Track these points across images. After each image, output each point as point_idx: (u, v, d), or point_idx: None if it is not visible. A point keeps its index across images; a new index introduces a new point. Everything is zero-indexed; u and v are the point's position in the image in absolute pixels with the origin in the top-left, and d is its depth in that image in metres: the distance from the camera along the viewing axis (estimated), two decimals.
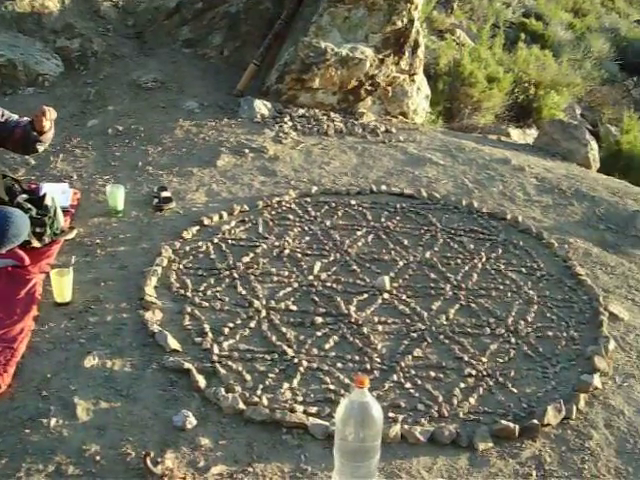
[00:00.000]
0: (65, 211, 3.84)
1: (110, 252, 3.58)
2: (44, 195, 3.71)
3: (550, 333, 3.27)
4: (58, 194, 3.91)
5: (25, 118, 3.63)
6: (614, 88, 11.53)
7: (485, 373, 2.95)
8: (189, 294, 3.26)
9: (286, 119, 5.27)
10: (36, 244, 3.52)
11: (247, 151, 4.77)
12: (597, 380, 2.96)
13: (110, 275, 3.38)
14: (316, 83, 5.43)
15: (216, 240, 3.72)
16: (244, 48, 5.94)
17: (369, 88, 5.60)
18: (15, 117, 3.63)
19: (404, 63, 5.69)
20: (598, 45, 12.57)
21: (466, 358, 3.02)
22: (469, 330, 3.22)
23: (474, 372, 2.94)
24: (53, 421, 2.48)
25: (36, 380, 2.68)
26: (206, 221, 3.87)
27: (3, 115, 3.60)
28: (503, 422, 2.65)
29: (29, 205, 3.61)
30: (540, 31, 12.43)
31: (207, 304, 3.20)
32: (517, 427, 2.63)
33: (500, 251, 3.90)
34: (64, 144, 4.71)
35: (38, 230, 3.56)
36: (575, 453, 2.61)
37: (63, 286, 3.15)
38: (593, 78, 10.92)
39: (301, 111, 5.42)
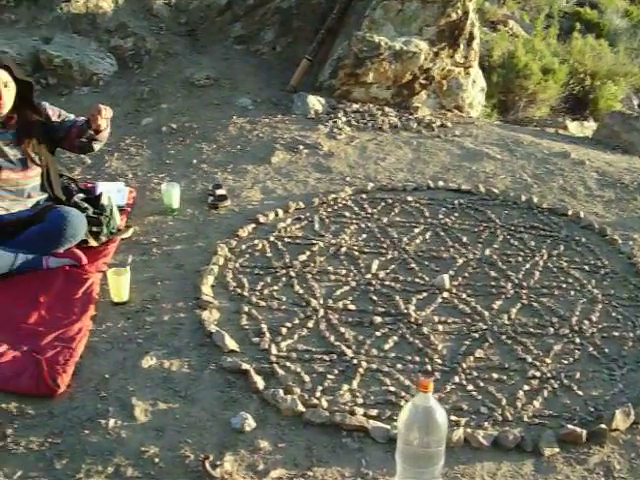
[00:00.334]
0: (121, 210, 3.85)
1: (166, 251, 3.57)
2: (100, 194, 3.72)
3: (616, 333, 3.15)
4: (114, 193, 3.92)
5: (82, 118, 3.64)
6: None
7: (549, 375, 2.85)
8: (246, 293, 3.23)
9: (340, 114, 5.21)
10: (93, 243, 3.54)
11: (301, 147, 4.72)
12: None
13: (166, 274, 3.37)
14: (370, 78, 5.36)
15: (272, 238, 3.69)
16: (296, 44, 5.90)
17: (423, 82, 5.50)
18: (72, 117, 3.65)
19: (459, 56, 5.58)
20: None
21: (529, 359, 2.93)
22: (532, 330, 3.12)
23: (538, 374, 2.84)
24: (112, 422, 2.47)
25: (94, 380, 2.67)
26: (262, 219, 3.84)
27: (60, 115, 3.62)
28: (570, 427, 2.55)
29: (86, 204, 3.62)
30: (595, 20, 12.14)
31: (264, 303, 3.17)
32: (584, 432, 2.53)
33: (562, 248, 3.78)
34: (119, 143, 4.73)
35: (95, 229, 3.57)
36: None
37: (120, 286, 3.15)
38: None
39: (355, 106, 5.35)
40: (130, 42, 5.80)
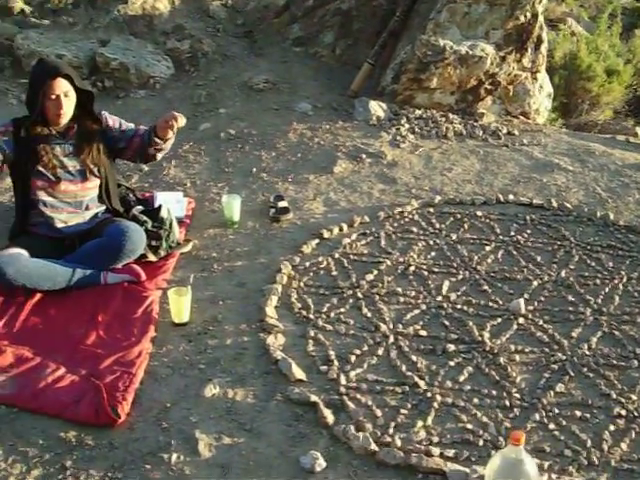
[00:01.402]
0: (180, 222, 3.74)
1: (227, 267, 3.45)
2: (160, 206, 3.60)
3: None
4: (172, 203, 3.81)
5: (143, 127, 3.54)
6: None
7: (636, 413, 2.65)
8: (311, 316, 3.09)
9: (403, 121, 5.04)
10: (152, 258, 3.43)
11: (364, 156, 4.57)
12: None
13: (228, 293, 3.25)
14: (434, 83, 5.16)
15: (337, 255, 3.54)
16: (357, 46, 5.74)
17: (489, 87, 5.29)
18: (132, 126, 3.55)
19: (526, 60, 5.35)
20: None
21: (614, 395, 2.73)
22: (614, 362, 2.92)
23: (624, 412, 2.65)
24: (174, 457, 2.35)
25: (155, 409, 2.56)
26: (326, 234, 3.70)
27: (120, 125, 3.52)
28: None
29: (145, 217, 3.52)
30: None
31: (331, 327, 3.02)
32: None
33: None
34: (177, 149, 4.62)
35: (154, 243, 3.46)
36: None
37: (181, 306, 3.03)
38: None
39: (418, 112, 5.17)
40: (187, 44, 5.70)
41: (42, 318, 3.03)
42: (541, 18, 5.28)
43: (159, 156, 3.58)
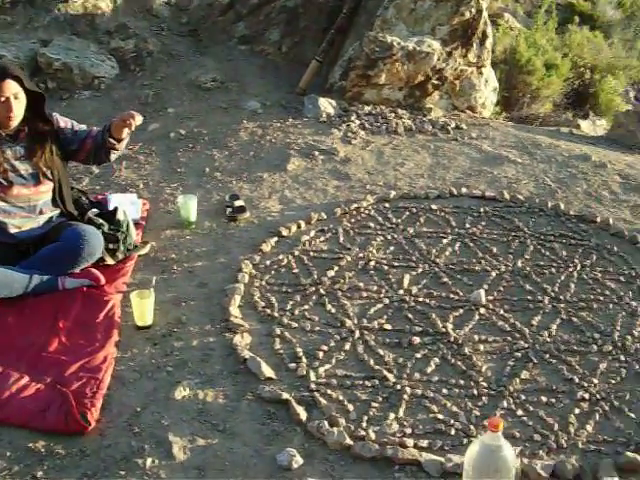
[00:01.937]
0: (136, 224, 3.68)
1: (187, 268, 3.42)
2: (116, 209, 3.55)
3: None
4: (127, 205, 3.75)
5: (95, 128, 3.48)
6: None
7: (599, 396, 2.72)
8: (276, 314, 3.08)
9: (353, 117, 5.06)
10: (110, 261, 3.38)
11: (317, 153, 4.58)
12: None
13: (190, 294, 3.22)
14: (382, 79, 5.21)
15: (297, 252, 3.55)
16: (303, 44, 5.75)
17: (436, 82, 5.36)
18: (84, 127, 3.49)
19: (472, 55, 5.44)
20: None
21: (576, 380, 2.80)
22: (575, 348, 3.00)
23: (587, 395, 2.72)
24: (149, 461, 2.32)
25: (125, 414, 2.52)
26: (284, 232, 3.70)
27: (73, 127, 3.45)
28: (629, 454, 2.42)
29: (101, 220, 3.46)
30: (589, 11, 12.04)
31: (296, 325, 3.03)
32: None
33: (594, 258, 3.66)
34: (126, 150, 4.55)
35: (111, 246, 3.41)
36: None
37: (144, 309, 2.99)
38: None
39: (367, 108, 5.21)
40: (131, 43, 5.62)
41: (0, 327, 2.96)
42: (485, 14, 5.37)
43: (113, 157, 3.52)
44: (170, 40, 5.79)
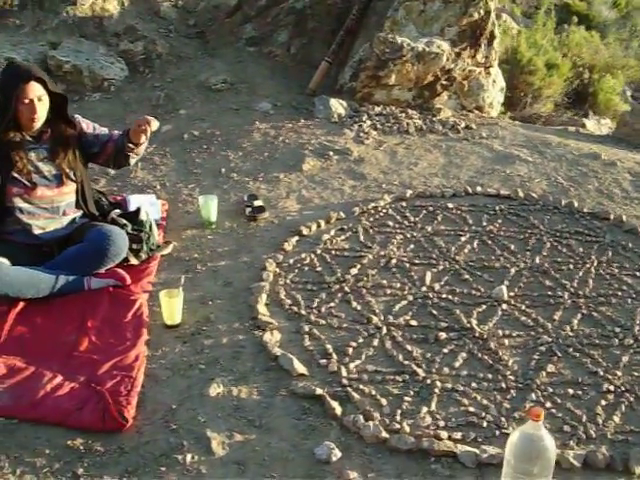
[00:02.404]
0: (157, 224, 3.71)
1: (211, 267, 3.45)
2: (138, 209, 3.58)
3: None
4: (146, 206, 3.78)
5: (116, 132, 3.51)
6: None
7: (623, 388, 2.77)
8: (303, 311, 3.12)
9: (364, 118, 5.11)
10: (134, 261, 3.41)
11: (331, 153, 4.62)
12: None
13: (216, 293, 3.25)
14: (392, 80, 5.26)
15: (319, 251, 3.59)
16: (312, 45, 5.79)
17: (445, 83, 5.42)
18: (105, 130, 3.52)
19: (480, 56, 5.50)
20: None
21: (601, 372, 2.85)
22: (597, 341, 3.05)
23: (612, 387, 2.77)
24: (189, 457, 2.34)
25: (161, 412, 2.54)
26: (305, 231, 3.74)
27: (94, 129, 3.48)
28: None
29: (124, 221, 3.49)
30: (584, 11, 12.14)
31: (324, 322, 3.06)
32: None
33: (610, 254, 3.72)
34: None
35: (135, 247, 3.44)
36: None
37: (173, 308, 3.02)
38: None
39: (377, 109, 5.26)
40: (140, 46, 5.64)
41: (28, 327, 2.98)
42: (493, 15, 5.43)
43: (132, 161, 3.55)
44: (178, 42, 5.82)
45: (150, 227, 3.52)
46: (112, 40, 5.69)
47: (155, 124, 3.33)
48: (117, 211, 3.58)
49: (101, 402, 2.51)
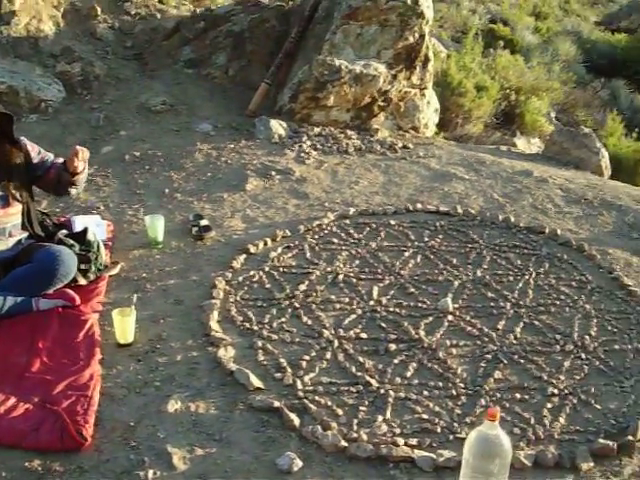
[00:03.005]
0: (104, 245, 3.70)
1: (161, 286, 3.46)
2: (86, 229, 3.57)
3: (616, 346, 3.26)
4: (93, 227, 3.77)
5: (60, 159, 3.49)
6: (584, 90, 11.72)
7: (567, 391, 2.92)
8: (255, 327, 3.17)
9: (304, 138, 5.21)
10: (82, 281, 3.40)
11: (274, 173, 4.69)
12: None
13: (167, 311, 3.27)
14: (330, 101, 5.37)
15: (267, 268, 3.64)
16: (250, 67, 5.86)
17: (382, 104, 5.56)
18: (51, 156, 3.49)
19: (415, 78, 5.67)
20: (565, 48, 12.78)
21: (545, 377, 2.99)
22: (539, 348, 3.19)
23: (556, 391, 2.91)
24: (150, 473, 2.35)
25: (120, 429, 2.55)
26: (252, 249, 3.79)
27: (39, 152, 3.46)
28: (601, 441, 2.62)
29: (71, 241, 3.48)
30: (509, 36, 12.60)
31: (276, 337, 3.12)
32: (615, 445, 2.61)
33: (547, 265, 3.89)
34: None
35: (83, 267, 3.42)
36: None
37: (126, 327, 3.03)
38: (563, 81, 11.07)
39: (317, 130, 5.36)
40: (77, 67, 5.61)
41: None
42: (427, 38, 5.62)
43: (73, 191, 3.55)
44: (116, 64, 5.81)
45: (98, 247, 3.52)
46: (48, 61, 5.64)
47: (86, 153, 3.35)
48: (64, 231, 3.56)
49: (58, 422, 2.50)
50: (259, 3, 6.30)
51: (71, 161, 3.35)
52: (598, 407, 2.85)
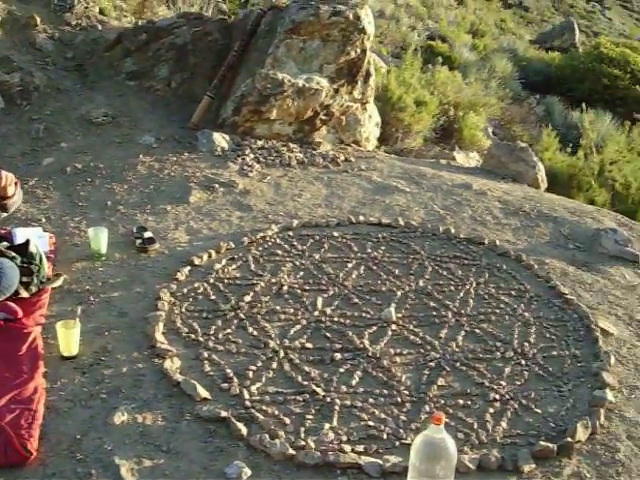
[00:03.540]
0: (46, 257, 3.66)
1: (104, 298, 3.44)
2: (28, 241, 3.53)
3: (554, 353, 3.37)
4: (34, 239, 3.72)
5: None
6: (520, 106, 12.04)
7: (508, 397, 3.01)
8: (201, 338, 3.18)
9: (247, 151, 5.23)
10: (24, 294, 3.35)
11: (217, 186, 4.70)
12: (610, 395, 3.07)
13: (112, 323, 3.25)
14: (273, 114, 5.41)
15: (212, 280, 3.65)
16: (193, 80, 5.85)
17: (324, 118, 5.63)
18: None
19: (357, 92, 5.75)
20: (501, 65, 13.11)
21: (487, 383, 3.07)
22: (481, 355, 3.28)
23: (498, 396, 3.00)
24: None
25: (65, 442, 2.53)
26: (196, 261, 3.79)
27: None
28: (542, 443, 2.71)
29: (13, 253, 3.43)
30: (447, 53, 12.87)
31: (222, 348, 3.13)
32: (555, 447, 2.70)
33: (487, 275, 3.99)
34: (22, 185, 4.47)
35: (25, 279, 3.38)
36: (609, 466, 2.69)
37: (70, 339, 3.00)
38: (500, 97, 11.36)
39: (260, 143, 5.39)
40: (17, 77, 5.51)
41: None
42: (369, 53, 5.71)
43: (3, 215, 3.49)
44: (56, 75, 5.74)
45: (40, 259, 3.48)
46: None
47: (9, 179, 3.26)
48: (5, 243, 3.52)
49: (2, 436, 2.47)
50: (202, 16, 6.32)
51: None
52: (538, 411, 2.94)
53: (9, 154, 4.91)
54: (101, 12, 6.58)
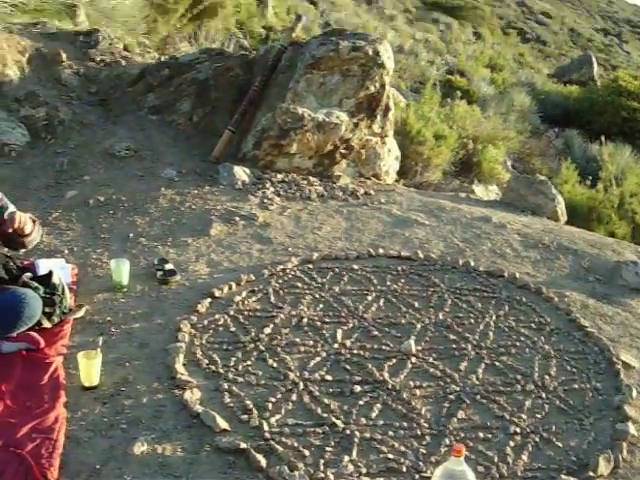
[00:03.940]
0: (68, 288, 3.70)
1: (125, 330, 3.47)
2: (51, 272, 3.57)
3: (575, 386, 3.35)
4: (57, 270, 3.77)
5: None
6: (539, 140, 12.08)
7: (529, 430, 2.99)
8: (221, 370, 3.19)
9: (267, 185, 5.28)
10: (47, 324, 3.39)
11: (237, 219, 4.74)
12: (632, 428, 3.04)
13: (132, 354, 3.27)
14: (293, 148, 5.48)
15: (232, 312, 3.67)
16: (214, 114, 5.94)
17: (344, 151, 5.68)
18: (11, 207, 3.46)
19: (376, 126, 5.81)
20: (520, 99, 13.19)
21: (507, 416, 3.06)
22: (501, 388, 3.27)
23: (518, 430, 2.98)
24: None
25: (85, 472, 2.54)
26: (217, 293, 3.81)
27: (1, 199, 3.45)
28: (563, 477, 2.70)
29: (36, 284, 3.47)
30: (465, 87, 12.97)
31: (242, 379, 3.14)
32: None
33: (507, 308, 3.99)
34: (45, 217, 4.56)
35: (47, 310, 3.41)
36: None
37: (91, 369, 3.02)
38: (519, 130, 11.40)
39: (280, 176, 5.44)
40: (42, 112, 5.63)
41: None
42: (388, 88, 5.78)
43: (29, 247, 3.55)
44: (81, 109, 5.85)
45: (62, 290, 3.52)
46: (13, 105, 5.65)
47: (23, 221, 3.33)
48: (28, 274, 3.55)
49: (22, 465, 2.49)
50: (223, 52, 6.43)
51: (12, 229, 3.33)
52: (559, 445, 2.93)
53: (34, 187, 4.99)
54: (125, 48, 6.74)
